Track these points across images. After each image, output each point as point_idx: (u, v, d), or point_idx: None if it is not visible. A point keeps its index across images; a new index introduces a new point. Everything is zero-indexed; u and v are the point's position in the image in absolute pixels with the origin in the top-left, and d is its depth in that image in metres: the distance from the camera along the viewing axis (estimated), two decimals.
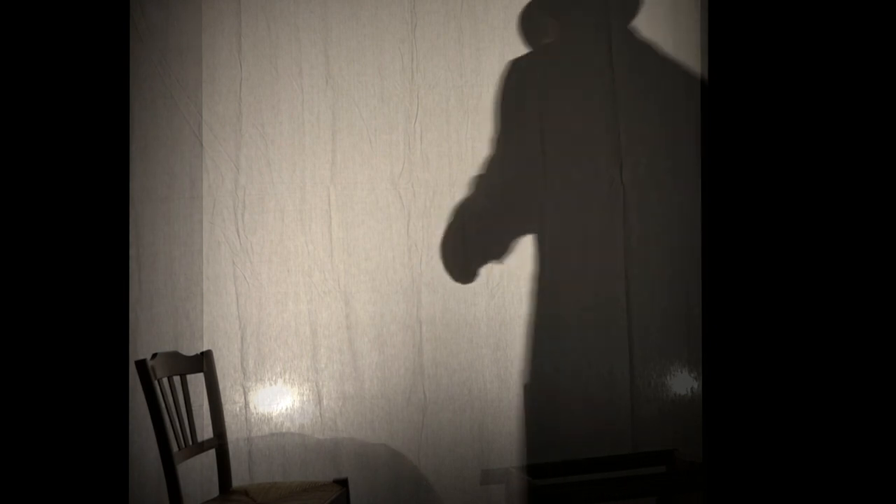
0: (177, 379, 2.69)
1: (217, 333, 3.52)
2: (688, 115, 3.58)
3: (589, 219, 3.57)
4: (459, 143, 3.59)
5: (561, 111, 3.58)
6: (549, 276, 3.54)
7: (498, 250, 3.37)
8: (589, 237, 3.57)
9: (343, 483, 2.75)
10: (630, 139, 3.58)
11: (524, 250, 3.55)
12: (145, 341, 3.47)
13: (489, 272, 3.53)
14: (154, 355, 2.55)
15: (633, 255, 3.55)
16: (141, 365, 2.45)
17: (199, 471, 3.39)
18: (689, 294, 3.53)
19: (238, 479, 3.21)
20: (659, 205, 3.57)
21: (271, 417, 3.51)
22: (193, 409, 2.74)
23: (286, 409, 3.51)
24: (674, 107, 3.57)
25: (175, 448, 2.51)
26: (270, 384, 3.52)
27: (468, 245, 3.46)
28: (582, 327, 3.53)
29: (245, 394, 3.50)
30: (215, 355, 2.93)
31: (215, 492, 2.95)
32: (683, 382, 3.43)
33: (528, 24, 3.50)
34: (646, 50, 3.58)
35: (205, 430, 2.83)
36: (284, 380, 3.52)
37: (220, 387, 2.91)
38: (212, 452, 2.81)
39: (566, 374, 3.49)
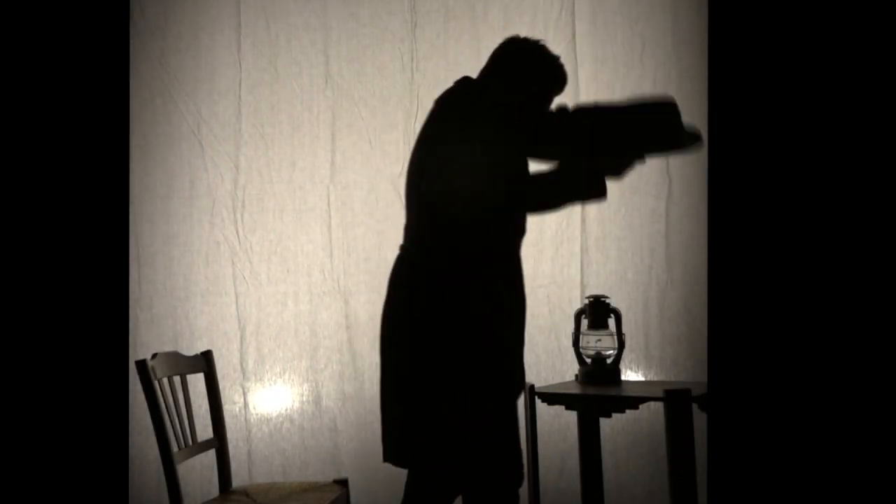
0: (177, 379, 2.68)
1: (217, 333, 3.51)
2: None
3: (543, 219, 3.55)
4: None
5: None
6: None
7: None
8: (543, 238, 3.55)
9: (343, 483, 2.75)
10: None
11: (522, 250, 3.54)
12: (145, 341, 3.47)
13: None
14: (154, 355, 2.55)
15: (589, 258, 3.53)
16: (141, 365, 2.45)
17: (199, 471, 3.39)
18: (649, 300, 3.51)
19: (238, 479, 3.20)
20: (620, 206, 3.55)
21: (271, 417, 3.50)
22: (193, 409, 2.74)
23: (286, 409, 3.51)
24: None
25: (175, 448, 2.50)
26: (270, 384, 3.52)
27: None
28: (530, 334, 3.52)
29: (245, 394, 3.50)
30: (215, 355, 2.93)
31: (215, 492, 2.95)
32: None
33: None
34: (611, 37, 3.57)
35: (205, 430, 2.83)
36: (284, 380, 3.52)
37: (220, 387, 2.90)
38: (212, 452, 2.81)
39: None
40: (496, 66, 2.58)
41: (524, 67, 2.55)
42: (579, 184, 2.53)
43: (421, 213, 2.46)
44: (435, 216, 2.42)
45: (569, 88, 3.54)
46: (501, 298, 2.42)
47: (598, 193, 2.52)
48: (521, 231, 2.54)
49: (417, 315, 2.38)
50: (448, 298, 2.35)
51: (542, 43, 2.59)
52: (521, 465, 2.44)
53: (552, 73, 2.58)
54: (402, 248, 2.52)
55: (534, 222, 3.56)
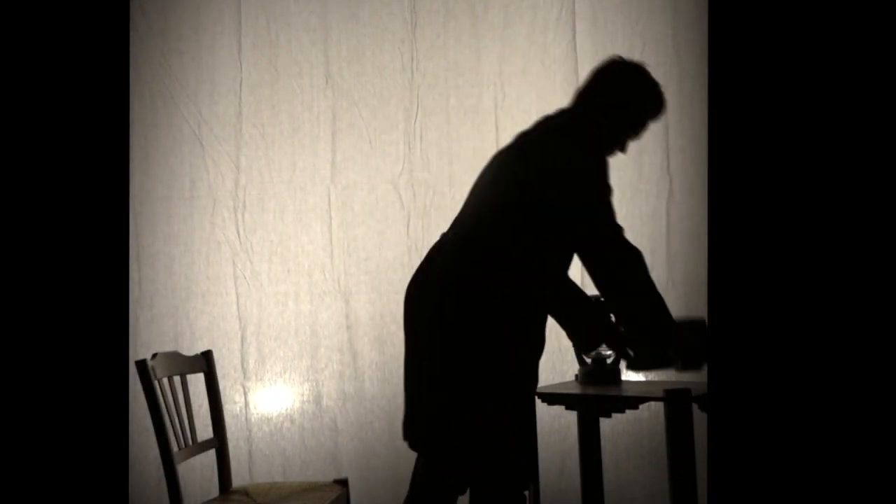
0: (177, 379, 2.69)
1: (217, 333, 3.52)
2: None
3: None
4: (459, 143, 3.59)
5: (518, 103, 3.57)
6: None
7: None
8: None
9: (343, 483, 2.75)
10: None
11: None
12: (145, 341, 3.48)
13: None
14: (154, 355, 2.55)
15: None
16: (141, 365, 2.45)
17: (199, 471, 3.39)
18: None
19: (238, 479, 3.21)
20: (621, 206, 3.53)
21: (271, 417, 3.51)
22: (193, 409, 2.74)
23: (286, 409, 3.51)
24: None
25: (175, 448, 2.50)
26: (270, 384, 3.52)
27: None
28: None
29: (245, 394, 3.50)
30: (215, 355, 2.93)
31: (215, 492, 2.95)
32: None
33: None
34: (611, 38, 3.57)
35: (205, 430, 2.83)
36: (284, 380, 3.52)
37: (220, 387, 2.90)
38: (212, 452, 2.81)
39: None
40: (597, 87, 2.53)
41: (624, 90, 2.50)
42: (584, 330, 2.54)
43: (480, 206, 2.43)
44: (487, 214, 2.38)
45: (569, 87, 3.58)
46: (531, 299, 2.41)
47: (587, 348, 2.54)
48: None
49: (449, 314, 2.35)
50: (481, 294, 2.33)
51: (644, 66, 2.55)
52: (534, 466, 2.44)
53: (651, 98, 2.53)
54: (444, 234, 2.49)
55: None
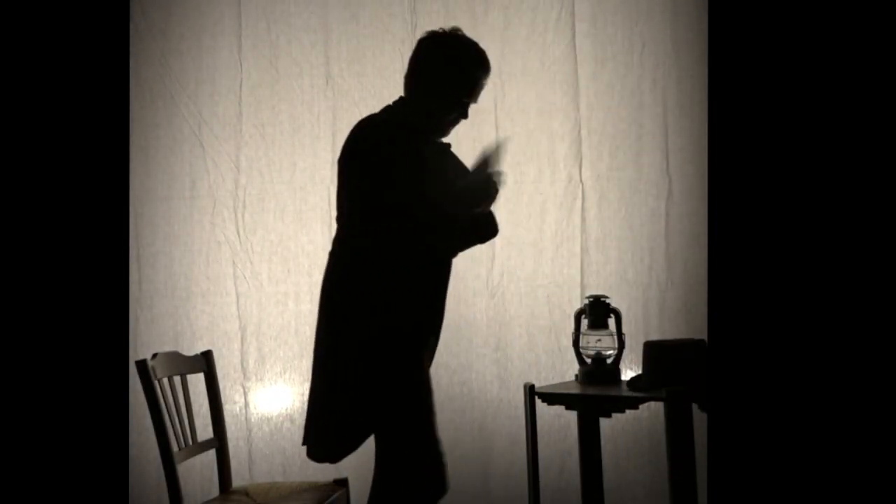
0: (177, 379, 2.69)
1: (217, 333, 3.52)
2: (653, 111, 3.57)
3: (543, 219, 3.55)
4: (459, 144, 3.58)
5: (518, 103, 3.56)
6: (497, 279, 3.51)
7: None
8: (543, 238, 3.55)
9: (343, 483, 2.75)
10: (591, 133, 3.56)
11: (522, 250, 3.55)
12: (145, 341, 3.48)
13: (489, 272, 3.53)
14: (154, 355, 2.55)
15: (589, 258, 3.53)
16: (141, 365, 2.45)
17: (199, 471, 3.40)
18: (649, 300, 3.51)
19: (238, 479, 3.20)
20: (620, 206, 3.55)
21: (271, 417, 3.51)
22: (193, 409, 2.74)
23: (286, 409, 3.51)
24: (639, 102, 3.56)
25: (175, 448, 2.51)
26: (270, 384, 3.52)
27: None
28: (530, 334, 3.52)
29: (245, 394, 3.50)
30: (215, 355, 2.93)
31: (215, 492, 2.95)
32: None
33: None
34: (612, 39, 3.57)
35: (205, 430, 2.83)
36: (284, 380, 3.52)
37: (220, 387, 2.91)
38: (212, 452, 2.81)
39: (509, 387, 3.47)
40: (416, 71, 2.52)
41: (443, 63, 2.47)
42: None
43: (351, 224, 2.50)
44: (368, 228, 2.43)
45: (569, 88, 3.59)
46: (421, 311, 2.43)
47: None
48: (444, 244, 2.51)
49: (342, 324, 2.40)
50: (371, 305, 2.37)
51: (456, 31, 2.50)
52: (440, 476, 2.37)
53: (470, 57, 2.48)
54: (332, 254, 2.52)
55: (534, 223, 3.57)
